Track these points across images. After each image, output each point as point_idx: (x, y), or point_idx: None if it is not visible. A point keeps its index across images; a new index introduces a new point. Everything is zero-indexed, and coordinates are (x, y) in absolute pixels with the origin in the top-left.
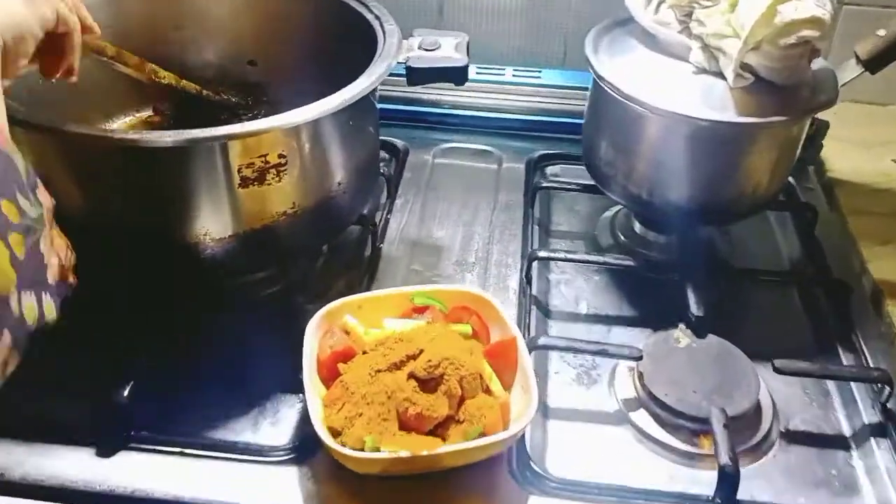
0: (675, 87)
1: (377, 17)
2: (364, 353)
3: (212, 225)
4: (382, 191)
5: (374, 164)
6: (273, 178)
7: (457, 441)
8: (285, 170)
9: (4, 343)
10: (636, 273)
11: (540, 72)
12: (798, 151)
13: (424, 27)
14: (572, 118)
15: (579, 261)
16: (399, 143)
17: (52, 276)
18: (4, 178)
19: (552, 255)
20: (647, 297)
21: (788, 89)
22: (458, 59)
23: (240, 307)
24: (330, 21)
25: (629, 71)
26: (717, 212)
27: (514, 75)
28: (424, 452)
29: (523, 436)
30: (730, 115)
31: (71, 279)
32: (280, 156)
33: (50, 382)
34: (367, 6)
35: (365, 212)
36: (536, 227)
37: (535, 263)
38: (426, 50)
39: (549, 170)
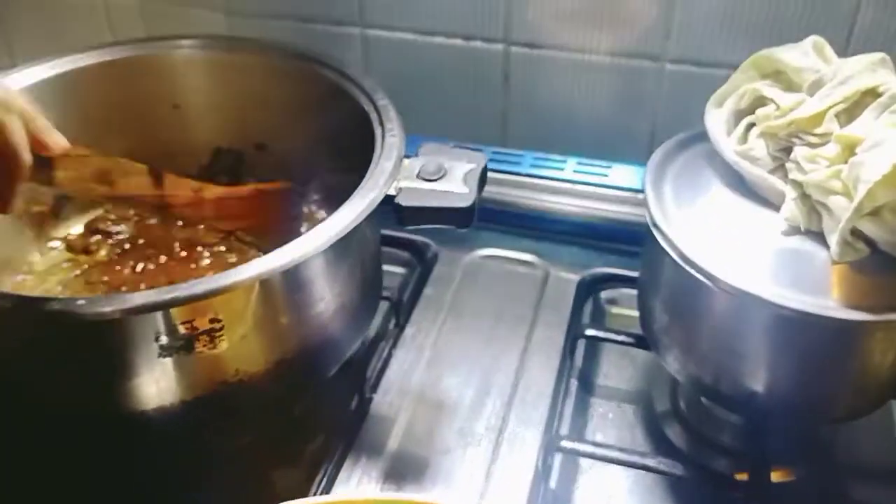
0: (757, 251)
1: (381, 124)
2: None
3: (134, 397)
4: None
5: (365, 300)
6: (205, 346)
7: None
8: (222, 335)
9: None
10: (693, 482)
11: (609, 167)
12: None
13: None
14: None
15: (612, 461)
16: (429, 244)
17: None
18: None
19: (580, 447)
20: None
21: None
22: (463, 195)
23: (192, 475)
24: (333, 112)
25: (697, 219)
26: (806, 413)
27: (575, 171)
28: None
29: None
30: (829, 304)
31: None
32: (213, 320)
33: None
34: (377, 108)
35: (351, 354)
36: (574, 384)
37: (557, 454)
38: (425, 179)
39: (608, 295)
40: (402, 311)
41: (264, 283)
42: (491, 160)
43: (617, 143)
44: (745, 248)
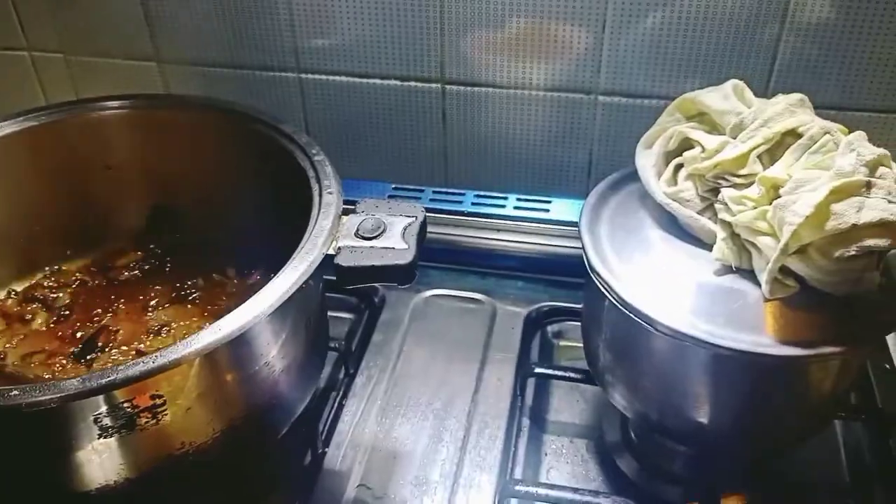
0: (691, 291)
1: (318, 181)
2: None
3: (78, 478)
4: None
5: (313, 356)
6: (148, 423)
7: None
8: (164, 411)
9: None
10: None
11: (549, 202)
12: (866, 366)
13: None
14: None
15: (563, 502)
16: (376, 288)
17: None
18: None
19: (534, 490)
20: None
21: (846, 299)
22: (402, 251)
23: None
24: (270, 167)
25: (632, 261)
26: (751, 442)
27: (516, 207)
28: None
29: None
30: (764, 341)
31: None
32: (153, 397)
33: None
34: (312, 164)
35: (300, 413)
36: (526, 422)
37: (512, 500)
38: (364, 237)
39: (554, 329)
40: (350, 361)
41: (207, 355)
42: (432, 199)
43: (556, 176)
44: (680, 289)
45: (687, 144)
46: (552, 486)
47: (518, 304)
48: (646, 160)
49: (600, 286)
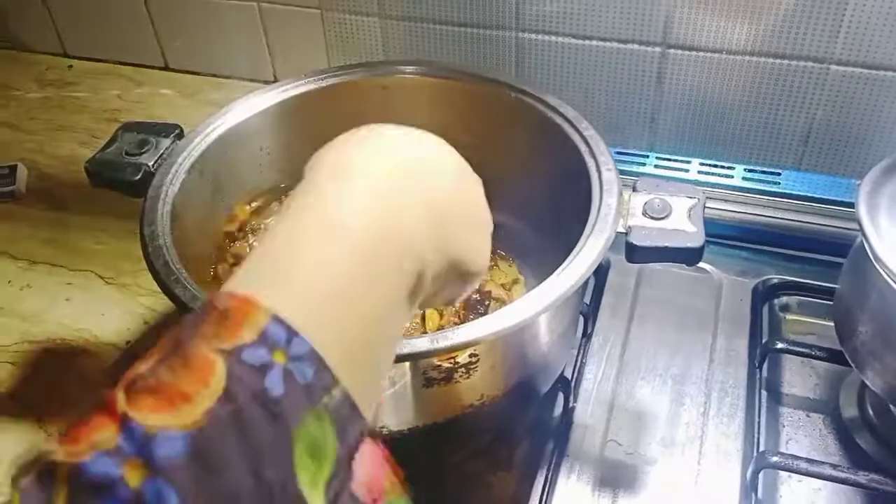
0: None
1: (593, 155)
2: None
3: (389, 420)
4: (577, 329)
5: (576, 318)
6: (462, 377)
7: None
8: (476, 367)
9: None
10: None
11: (779, 174)
12: None
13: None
14: (811, 235)
15: (822, 477)
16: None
17: None
18: None
19: (786, 462)
20: None
21: None
22: (693, 234)
23: (413, 479)
24: (539, 140)
25: None
26: None
27: (744, 178)
28: None
29: None
30: None
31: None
32: (472, 355)
33: None
34: (583, 138)
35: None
36: (764, 394)
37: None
38: (652, 217)
39: (782, 302)
40: (588, 321)
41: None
42: (655, 166)
43: (772, 147)
44: None
45: None
46: (809, 461)
47: (745, 275)
48: None
49: (885, 274)
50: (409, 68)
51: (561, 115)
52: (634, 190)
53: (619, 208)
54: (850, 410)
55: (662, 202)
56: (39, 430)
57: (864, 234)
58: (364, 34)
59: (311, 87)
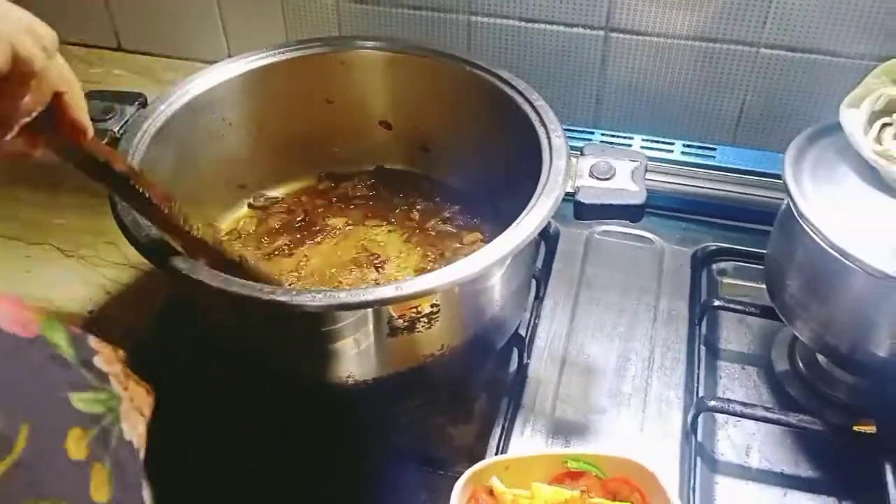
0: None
1: (543, 124)
2: None
3: (355, 369)
4: (530, 290)
5: (529, 278)
6: (424, 326)
7: None
8: (437, 317)
9: None
10: (821, 434)
11: (715, 149)
12: None
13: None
14: (745, 205)
15: (755, 418)
16: (551, 225)
17: (140, 452)
18: (49, 392)
19: (723, 406)
20: (832, 458)
21: None
22: (635, 192)
23: (376, 429)
24: (494, 111)
25: (837, 209)
26: None
27: (683, 152)
28: None
29: None
30: None
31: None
32: (433, 305)
33: None
34: (534, 108)
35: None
36: (703, 349)
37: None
38: (598, 178)
39: (719, 267)
40: (541, 284)
41: (481, 272)
42: (601, 141)
43: (706, 125)
44: (885, 235)
45: (894, 106)
46: (744, 404)
47: (684, 243)
48: (852, 118)
49: (806, 227)
50: (368, 43)
51: (513, 87)
52: (582, 154)
53: (567, 170)
54: (781, 364)
55: (607, 164)
56: None
57: (789, 194)
58: (320, 17)
59: (272, 59)
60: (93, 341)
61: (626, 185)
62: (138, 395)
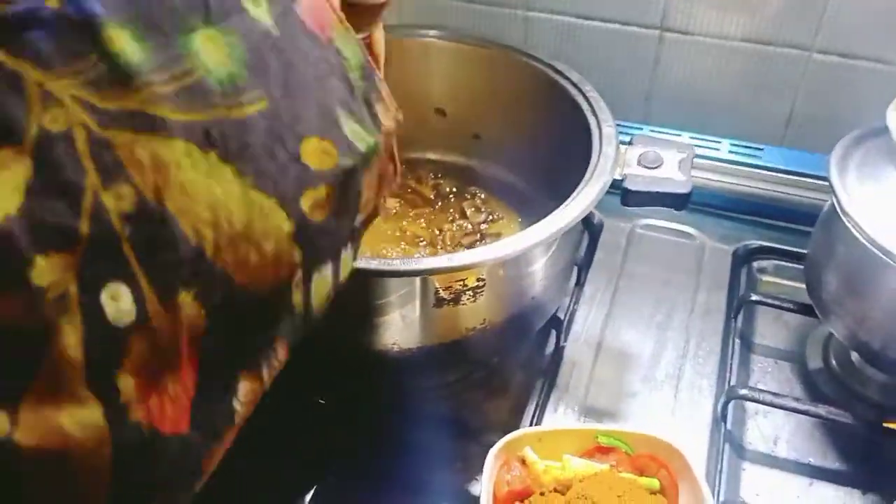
0: None
1: (594, 114)
2: (541, 494)
3: (400, 337)
4: (571, 277)
5: (571, 264)
6: (468, 300)
7: None
8: (482, 291)
9: (279, 358)
10: (850, 428)
11: (762, 149)
12: None
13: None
14: (789, 205)
15: (785, 408)
16: (595, 216)
17: (361, 216)
18: (321, 95)
19: (753, 395)
20: (860, 452)
21: None
22: (681, 182)
23: (416, 399)
24: (547, 101)
25: (879, 207)
26: None
27: (730, 151)
28: None
29: None
30: None
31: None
32: (479, 279)
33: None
34: (586, 98)
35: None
36: (738, 342)
37: (733, 401)
38: (646, 167)
39: (759, 265)
40: (582, 273)
41: (526, 250)
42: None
43: (754, 126)
44: None
45: None
46: (774, 394)
47: (727, 240)
48: None
49: (849, 224)
50: (431, 32)
51: (566, 77)
52: (631, 144)
53: (616, 158)
54: (815, 361)
55: (655, 154)
56: None
57: (832, 189)
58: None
59: None
60: (379, 80)
61: (672, 174)
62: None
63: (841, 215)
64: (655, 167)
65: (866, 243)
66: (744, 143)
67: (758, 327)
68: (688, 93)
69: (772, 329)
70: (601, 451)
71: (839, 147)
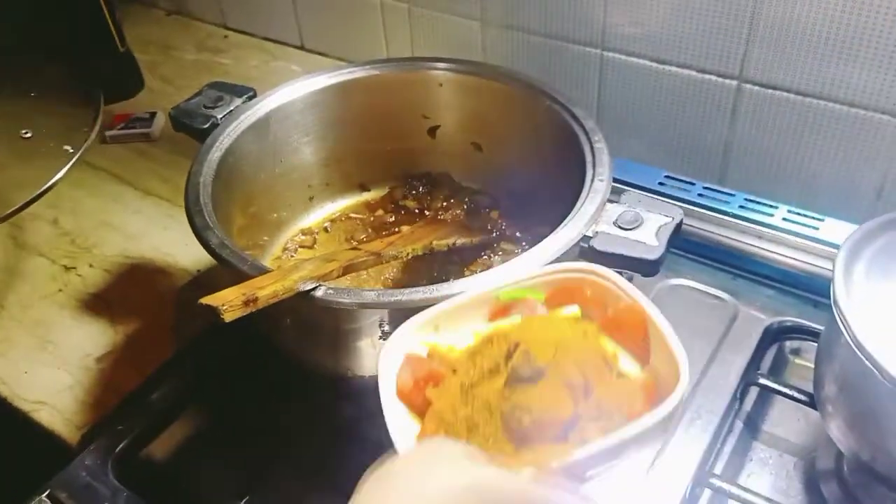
0: None
1: (593, 166)
2: (454, 371)
3: (353, 364)
4: None
5: None
6: None
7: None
8: None
9: None
10: None
11: (822, 220)
12: None
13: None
14: None
15: None
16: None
17: None
18: None
19: (728, 488)
20: None
21: None
22: (652, 247)
23: None
24: (563, 149)
25: (880, 307)
26: None
27: (784, 219)
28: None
29: None
30: None
31: None
32: None
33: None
34: (592, 150)
35: None
36: (739, 425)
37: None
38: (621, 227)
39: (792, 345)
40: None
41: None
42: (700, 195)
43: (836, 196)
44: None
45: None
46: (747, 490)
47: (763, 311)
48: None
49: (839, 319)
50: (461, 66)
51: (581, 125)
52: (618, 202)
53: (594, 215)
54: (825, 461)
55: (635, 215)
56: (110, 328)
57: (833, 277)
58: (458, 37)
59: (365, 73)
60: None
61: (646, 238)
62: None
63: (833, 308)
64: (630, 228)
65: (852, 345)
66: (801, 212)
67: (771, 413)
68: (768, 154)
69: (786, 418)
70: (508, 310)
71: (855, 235)
